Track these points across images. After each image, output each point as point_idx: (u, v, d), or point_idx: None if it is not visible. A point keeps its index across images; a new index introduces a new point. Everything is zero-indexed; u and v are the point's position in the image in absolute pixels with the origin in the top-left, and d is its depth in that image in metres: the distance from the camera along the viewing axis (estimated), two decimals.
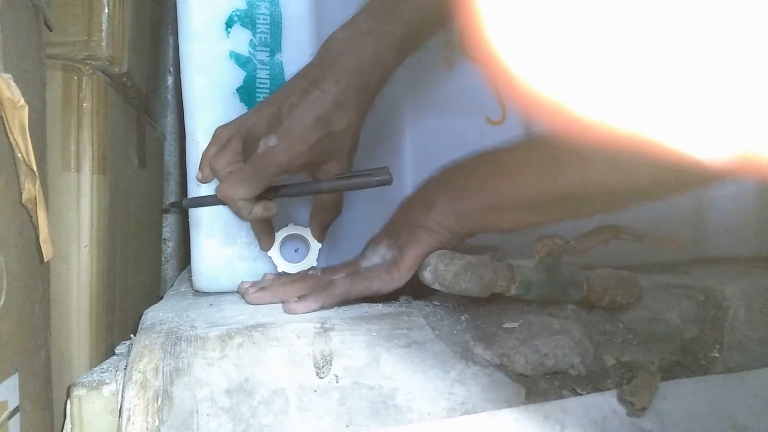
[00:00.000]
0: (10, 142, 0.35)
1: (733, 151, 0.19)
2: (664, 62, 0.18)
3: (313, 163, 0.49)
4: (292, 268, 0.54)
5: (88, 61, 0.52)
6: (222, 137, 0.49)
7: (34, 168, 0.36)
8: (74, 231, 0.50)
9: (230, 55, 0.54)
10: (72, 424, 0.39)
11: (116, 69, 0.54)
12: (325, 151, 0.48)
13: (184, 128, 0.55)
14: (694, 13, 0.17)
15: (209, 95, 0.53)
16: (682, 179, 0.45)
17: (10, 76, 0.33)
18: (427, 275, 0.43)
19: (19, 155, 0.35)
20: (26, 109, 0.34)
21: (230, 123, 0.50)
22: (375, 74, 0.49)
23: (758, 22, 0.17)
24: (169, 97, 0.92)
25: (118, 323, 0.58)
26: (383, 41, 0.49)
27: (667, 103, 0.19)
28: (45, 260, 0.40)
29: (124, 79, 0.57)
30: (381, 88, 0.50)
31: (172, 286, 0.66)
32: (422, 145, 0.57)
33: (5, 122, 0.34)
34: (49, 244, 0.39)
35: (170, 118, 0.93)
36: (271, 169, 0.46)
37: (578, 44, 0.19)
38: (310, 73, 0.49)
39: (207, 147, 0.49)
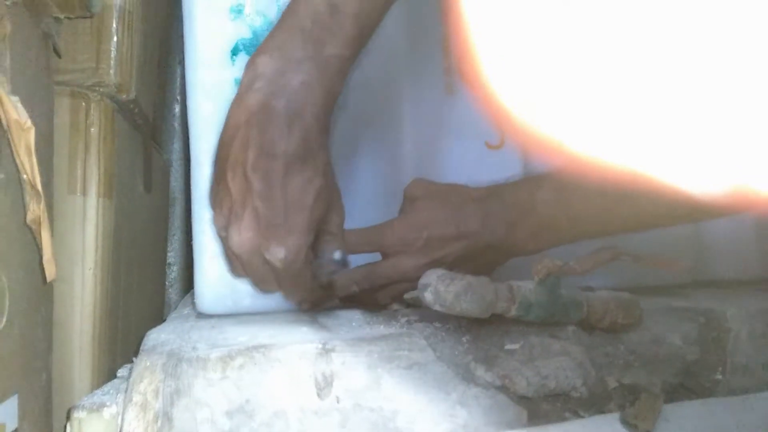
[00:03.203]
0: (16, 164, 0.36)
1: (727, 185, 0.19)
2: (658, 97, 0.18)
3: (319, 221, 0.45)
4: None
5: (96, 88, 0.53)
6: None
7: (39, 189, 0.36)
8: (79, 254, 0.51)
9: (235, 83, 0.55)
10: None
11: (124, 96, 0.55)
12: (322, 207, 0.44)
13: (190, 155, 0.56)
14: (686, 48, 0.18)
15: (214, 121, 0.54)
16: (687, 212, 0.46)
17: (17, 98, 0.34)
18: (428, 296, 0.43)
19: (25, 176, 0.36)
20: (33, 131, 0.35)
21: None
22: (327, 107, 0.43)
23: (752, 56, 0.17)
24: (176, 124, 0.93)
25: (121, 347, 0.58)
26: (330, 68, 0.42)
27: (661, 139, 0.19)
28: (48, 281, 0.40)
29: (132, 106, 0.59)
30: (335, 102, 0.45)
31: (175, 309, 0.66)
32: (423, 169, 0.58)
33: (12, 144, 0.35)
34: (53, 265, 0.39)
35: (177, 146, 0.94)
36: (301, 276, 0.45)
37: (570, 80, 0.20)
38: (251, 139, 0.41)
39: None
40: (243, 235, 0.43)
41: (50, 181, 0.45)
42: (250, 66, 0.43)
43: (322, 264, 0.48)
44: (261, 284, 0.47)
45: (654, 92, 0.19)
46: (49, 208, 0.41)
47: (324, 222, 0.46)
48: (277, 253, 0.42)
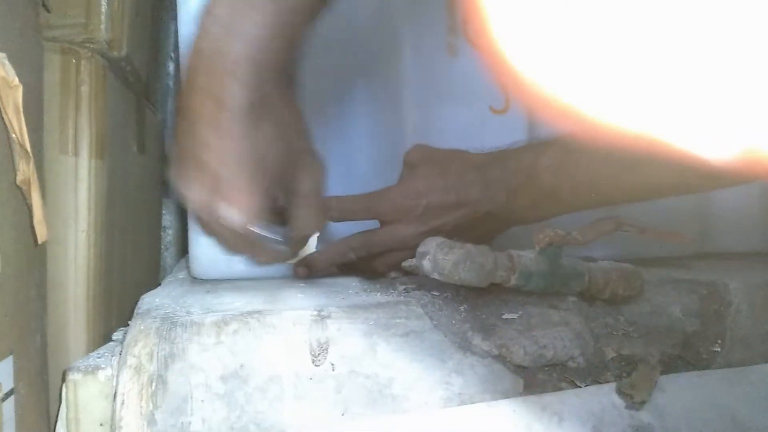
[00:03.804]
0: (4, 123, 0.34)
1: (739, 150, 0.18)
2: (668, 58, 0.18)
3: (282, 183, 0.42)
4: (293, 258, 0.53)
5: (87, 44, 0.51)
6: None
7: (28, 149, 0.35)
8: (72, 215, 0.50)
9: None
10: (67, 408, 0.39)
11: (115, 53, 0.53)
12: (283, 167, 0.41)
13: None
14: (698, 8, 0.17)
15: None
16: (692, 180, 0.45)
17: (4, 55, 0.33)
18: (426, 264, 0.42)
19: (14, 136, 0.35)
20: (20, 89, 0.33)
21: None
22: (287, 55, 0.39)
23: (762, 19, 0.16)
24: (171, 83, 0.91)
25: (116, 310, 0.58)
26: (290, 10, 0.38)
27: (671, 101, 0.18)
28: (39, 242, 0.39)
29: (123, 63, 0.57)
30: (299, 52, 0.41)
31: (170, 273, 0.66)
32: (424, 133, 0.57)
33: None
34: (44, 226, 0.38)
35: (171, 106, 0.92)
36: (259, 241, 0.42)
37: (580, 39, 0.19)
38: (201, 86, 0.38)
39: None
40: (192, 191, 0.40)
41: (40, 140, 0.44)
42: (205, 10, 0.39)
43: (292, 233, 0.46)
44: (229, 247, 0.44)
45: (664, 54, 0.18)
46: (39, 168, 0.40)
47: (292, 184, 0.44)
48: (229, 214, 0.39)
